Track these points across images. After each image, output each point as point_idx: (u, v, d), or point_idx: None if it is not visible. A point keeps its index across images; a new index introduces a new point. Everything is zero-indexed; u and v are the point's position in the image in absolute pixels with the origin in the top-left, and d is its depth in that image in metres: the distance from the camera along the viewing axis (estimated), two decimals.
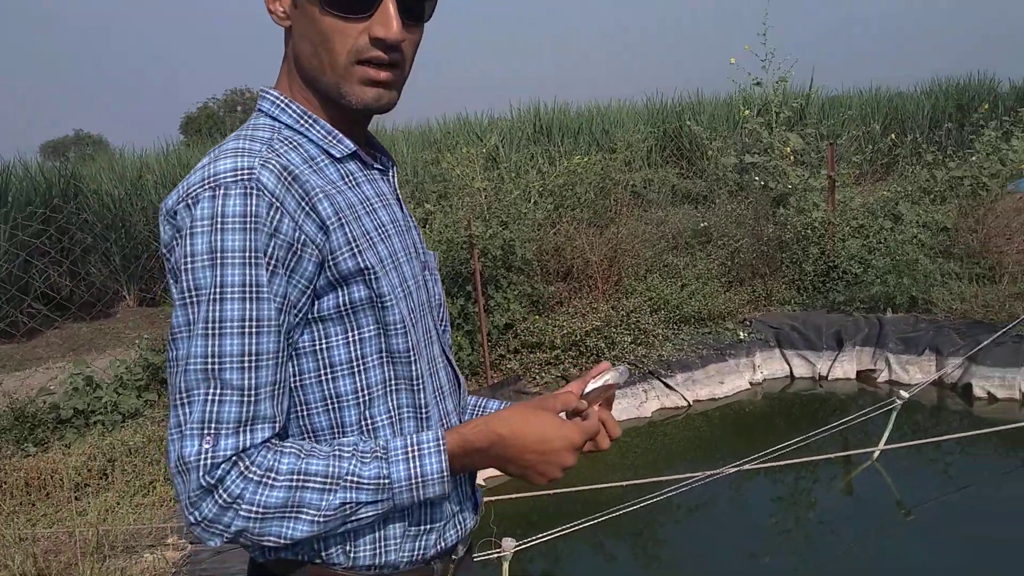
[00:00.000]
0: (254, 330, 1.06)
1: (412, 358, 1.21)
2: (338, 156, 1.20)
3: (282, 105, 1.21)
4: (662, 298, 6.96)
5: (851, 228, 7.35)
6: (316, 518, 1.08)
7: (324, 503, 1.08)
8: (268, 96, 1.22)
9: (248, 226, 1.05)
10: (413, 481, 1.12)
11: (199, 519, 1.06)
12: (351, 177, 1.22)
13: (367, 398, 1.18)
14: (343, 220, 1.14)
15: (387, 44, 1.14)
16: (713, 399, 6.38)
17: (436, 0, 1.22)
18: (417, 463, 1.12)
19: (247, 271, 1.05)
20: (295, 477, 1.08)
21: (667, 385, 6.38)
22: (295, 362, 1.15)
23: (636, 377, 6.33)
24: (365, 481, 1.10)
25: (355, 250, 1.14)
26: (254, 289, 1.06)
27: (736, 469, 4.46)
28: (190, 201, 1.07)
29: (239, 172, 1.07)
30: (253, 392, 1.07)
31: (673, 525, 4.60)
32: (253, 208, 1.06)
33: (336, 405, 1.17)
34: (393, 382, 1.21)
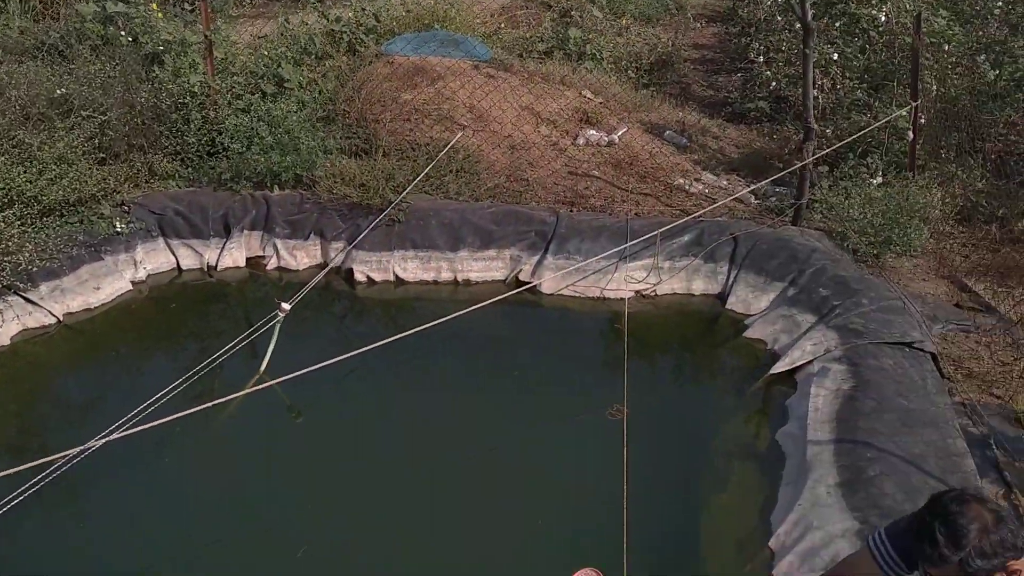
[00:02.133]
0: None
1: None
2: None
3: None
4: (15, 188, 5.71)
5: (233, 95, 6.84)
6: None
7: None
8: None
9: None
10: None
11: None
12: None
13: None
14: None
15: None
16: (88, 309, 5.60)
17: None
18: None
19: None
20: None
21: (29, 300, 5.39)
22: None
23: None
24: None
25: None
26: None
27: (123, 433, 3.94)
28: None
29: None
30: None
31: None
32: None
33: None
34: None
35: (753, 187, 6.59)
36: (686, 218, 5.88)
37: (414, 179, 6.17)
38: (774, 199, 6.59)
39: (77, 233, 5.84)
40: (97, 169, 6.23)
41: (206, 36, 6.65)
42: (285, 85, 7.13)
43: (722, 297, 5.71)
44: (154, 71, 6.72)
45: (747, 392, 4.83)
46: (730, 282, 5.71)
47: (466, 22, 9.20)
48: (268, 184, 6.51)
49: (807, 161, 5.94)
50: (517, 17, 11.58)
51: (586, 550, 3.56)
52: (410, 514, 3.97)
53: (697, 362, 5.41)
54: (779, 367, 4.83)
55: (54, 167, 5.89)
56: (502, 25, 10.07)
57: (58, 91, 6.22)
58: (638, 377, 4.83)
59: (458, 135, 6.82)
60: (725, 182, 7.14)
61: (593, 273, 5.78)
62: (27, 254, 5.45)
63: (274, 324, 4.88)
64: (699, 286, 5.81)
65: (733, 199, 6.49)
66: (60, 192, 5.84)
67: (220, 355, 4.77)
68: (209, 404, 3.94)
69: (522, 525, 3.88)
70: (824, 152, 6.27)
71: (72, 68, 6.60)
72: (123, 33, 6.87)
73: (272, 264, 6.15)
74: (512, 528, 3.86)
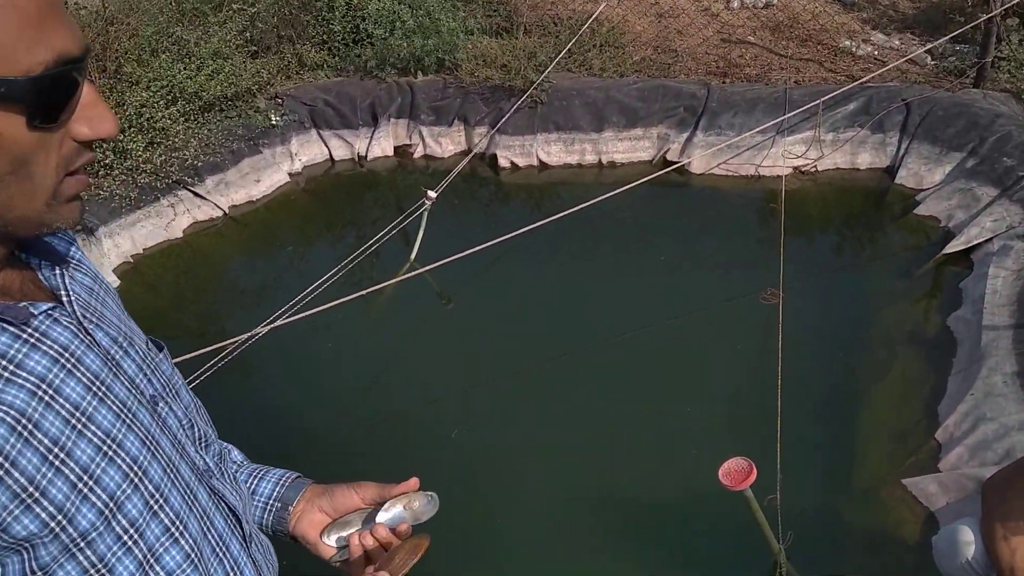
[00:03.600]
0: None
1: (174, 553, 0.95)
2: None
3: None
4: (177, 84, 5.99)
5: None
6: None
7: None
8: None
9: None
10: None
11: None
12: (11, 355, 0.82)
13: None
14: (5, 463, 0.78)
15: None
16: (251, 202, 5.90)
17: None
18: None
19: None
20: None
21: (197, 194, 5.72)
22: None
23: (163, 190, 5.57)
24: None
25: (25, 499, 0.81)
26: None
27: (282, 320, 4.19)
28: None
29: None
30: None
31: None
32: None
33: None
34: None
35: (930, 46, 5.93)
36: (852, 84, 5.40)
37: (556, 57, 5.96)
38: (954, 59, 5.91)
39: (236, 127, 6.09)
40: (250, 63, 6.42)
41: None
42: None
43: (891, 171, 5.27)
44: None
45: (915, 274, 4.50)
46: (900, 154, 5.25)
47: None
48: (412, 70, 6.49)
49: (995, 13, 5.25)
50: None
51: (737, 438, 3.51)
52: (557, 398, 4.03)
53: (861, 242, 5.07)
54: (953, 246, 4.46)
55: (211, 62, 6.10)
56: None
57: None
58: (795, 259, 4.59)
59: (602, 6, 6.49)
60: (897, 42, 6.47)
61: (747, 150, 5.46)
62: (192, 149, 5.75)
63: (422, 212, 4.95)
64: (865, 159, 5.38)
65: (906, 60, 5.88)
66: (218, 87, 6.06)
67: (373, 243, 4.92)
68: (363, 292, 4.14)
69: (672, 412, 3.86)
70: (1015, 1, 5.52)
71: None
72: None
73: (419, 152, 6.20)
74: (662, 415, 3.86)
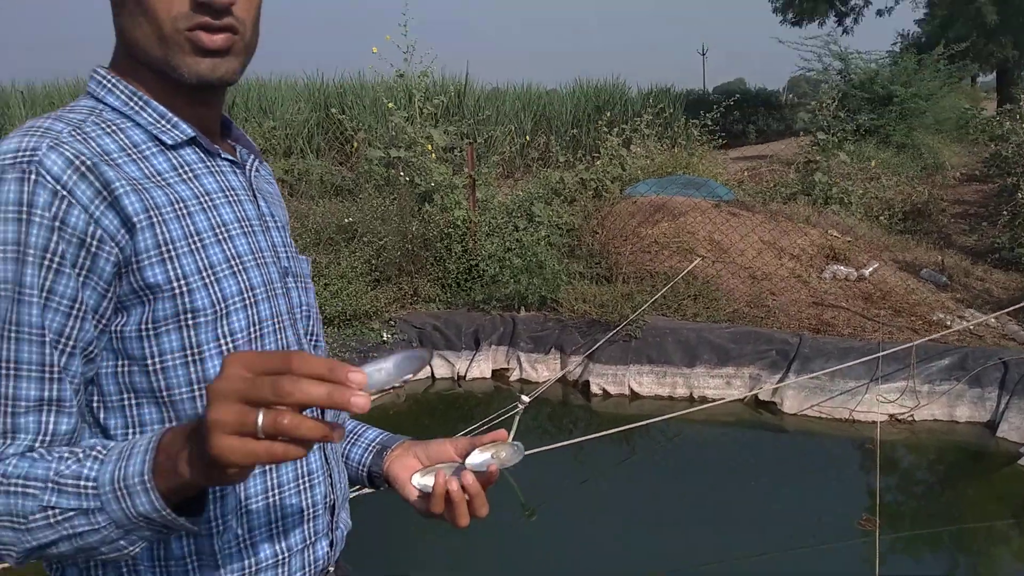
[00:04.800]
0: (13, 335, 0.95)
1: None
2: (170, 143, 1.08)
3: (109, 85, 1.09)
4: None
5: (490, 227, 7.54)
6: (17, 524, 0.91)
7: (24, 507, 0.91)
8: (96, 76, 1.10)
9: (23, 217, 0.94)
10: (116, 486, 0.88)
11: None
12: (186, 168, 1.09)
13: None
14: (156, 219, 1.01)
15: (213, 7, 1.02)
16: None
17: None
18: (125, 463, 0.88)
19: (16, 269, 0.94)
20: (18, 482, 0.92)
21: None
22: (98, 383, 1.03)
23: None
24: (67, 481, 0.90)
25: (165, 255, 1.01)
26: (21, 290, 0.95)
27: None
28: None
29: (19, 154, 0.96)
30: (9, 404, 0.96)
31: None
32: (29, 196, 0.94)
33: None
34: None
35: None
36: (946, 333, 5.49)
37: (651, 299, 6.33)
38: None
39: (350, 340, 6.56)
40: (371, 289, 7.05)
41: (470, 176, 7.47)
42: (535, 220, 7.74)
43: (992, 425, 5.17)
44: (425, 206, 7.61)
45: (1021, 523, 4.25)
46: (1001, 409, 5.17)
47: (709, 170, 9.55)
48: (515, 306, 6.98)
49: None
50: (760, 173, 11.80)
51: None
52: None
53: (962, 492, 4.85)
54: None
55: (336, 282, 6.74)
56: (745, 175, 10.32)
57: (346, 219, 7.22)
58: (891, 504, 4.43)
59: (696, 260, 6.96)
60: (993, 320, 6.59)
61: (840, 394, 5.49)
62: None
63: (514, 415, 5.08)
64: (963, 412, 5.31)
65: (1003, 337, 5.97)
66: (339, 305, 6.64)
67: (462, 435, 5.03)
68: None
69: None
70: None
71: (358, 202, 7.66)
72: (402, 174, 7.90)
73: (515, 375, 6.47)
74: None
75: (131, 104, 1.07)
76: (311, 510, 1.19)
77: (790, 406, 5.58)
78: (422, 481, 1.27)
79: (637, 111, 17.68)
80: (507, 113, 16.42)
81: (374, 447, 1.39)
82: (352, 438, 1.42)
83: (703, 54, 56.98)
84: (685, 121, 12.33)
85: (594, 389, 6.09)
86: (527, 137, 13.17)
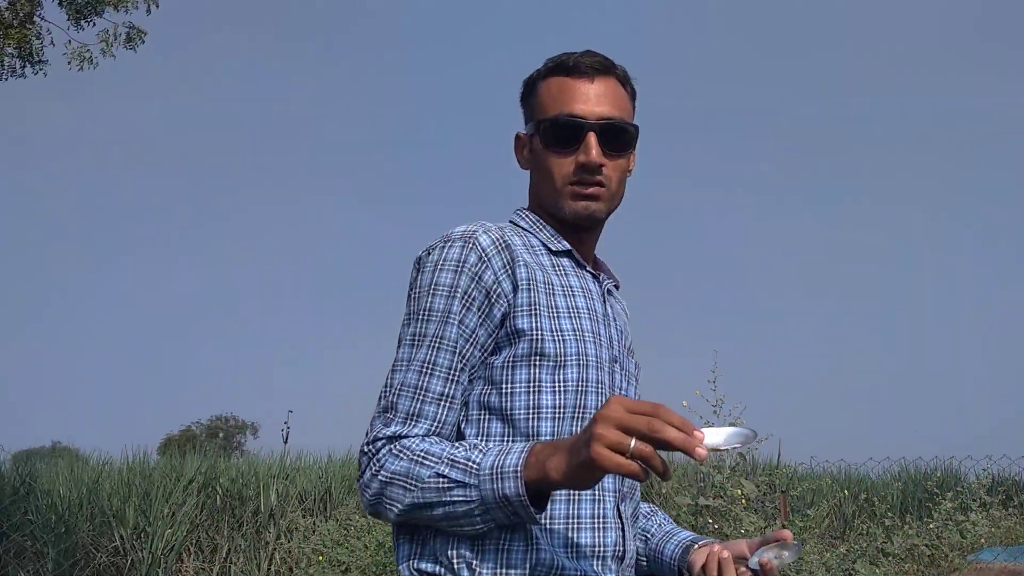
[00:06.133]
0: (438, 345, 1.38)
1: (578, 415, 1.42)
2: (554, 249, 1.54)
3: (523, 215, 1.60)
4: None
5: None
6: (410, 485, 1.28)
7: (420, 473, 1.28)
8: (517, 211, 1.62)
9: (458, 268, 1.40)
10: (494, 471, 1.24)
11: (360, 484, 1.35)
12: (560, 268, 1.53)
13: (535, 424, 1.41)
14: (532, 287, 1.42)
15: (588, 168, 1.48)
16: None
17: (635, 133, 1.55)
18: (504, 457, 1.25)
19: (447, 301, 1.39)
20: (420, 455, 1.30)
21: None
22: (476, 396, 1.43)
23: None
24: (459, 460, 1.27)
25: (532, 312, 1.41)
26: (447, 315, 1.38)
27: None
28: (429, 249, 1.45)
29: (465, 232, 1.44)
30: (423, 393, 1.37)
31: None
32: (465, 256, 1.41)
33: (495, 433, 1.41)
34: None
35: None
36: None
37: None
38: None
39: None
40: None
41: (783, 527, 7.18)
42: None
43: None
44: None
45: None
46: None
47: None
48: None
49: None
50: None
51: None
52: None
53: None
54: None
55: None
56: None
57: None
58: None
59: None
60: None
61: None
62: None
63: None
64: None
65: None
66: None
67: None
68: None
69: None
70: None
71: None
72: (711, 521, 7.75)
73: None
74: None
75: (534, 225, 1.58)
76: (601, 548, 1.41)
77: None
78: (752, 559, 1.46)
79: (975, 494, 15.93)
80: (824, 493, 15.58)
81: (686, 541, 1.59)
82: (667, 536, 1.62)
83: None
84: None
85: None
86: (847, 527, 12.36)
